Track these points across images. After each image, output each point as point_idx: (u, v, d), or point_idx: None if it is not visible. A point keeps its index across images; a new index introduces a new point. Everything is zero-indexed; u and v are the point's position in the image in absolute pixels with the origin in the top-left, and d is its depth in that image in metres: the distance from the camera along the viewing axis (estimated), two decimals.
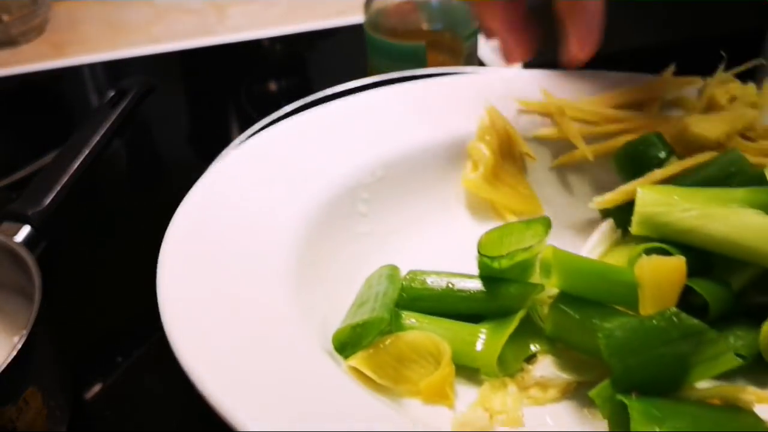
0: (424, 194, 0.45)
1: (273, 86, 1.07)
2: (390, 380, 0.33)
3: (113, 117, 0.71)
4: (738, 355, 0.31)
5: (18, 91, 1.08)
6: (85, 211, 0.81)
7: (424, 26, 0.75)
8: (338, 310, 0.36)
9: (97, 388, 0.64)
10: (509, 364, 0.35)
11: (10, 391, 0.51)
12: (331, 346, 0.34)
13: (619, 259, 0.37)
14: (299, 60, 1.12)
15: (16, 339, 0.50)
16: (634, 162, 0.42)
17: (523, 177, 0.44)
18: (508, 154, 0.44)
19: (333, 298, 0.37)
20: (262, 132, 0.44)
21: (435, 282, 0.37)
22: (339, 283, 0.38)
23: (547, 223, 0.37)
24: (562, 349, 0.36)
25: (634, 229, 0.35)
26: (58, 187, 0.64)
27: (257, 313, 0.34)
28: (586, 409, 0.34)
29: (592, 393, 0.31)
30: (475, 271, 0.38)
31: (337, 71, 0.95)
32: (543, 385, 0.34)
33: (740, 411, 0.29)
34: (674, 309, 0.31)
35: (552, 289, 0.35)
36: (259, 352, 0.33)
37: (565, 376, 0.34)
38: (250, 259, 0.36)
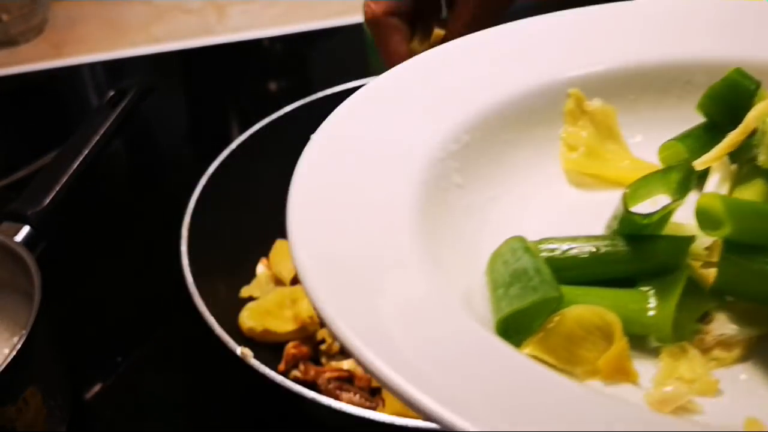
0: (518, 153, 0.42)
1: (273, 86, 1.07)
2: (566, 363, 0.30)
3: (113, 117, 0.71)
4: None
5: (17, 91, 1.08)
6: (85, 212, 0.81)
7: None
8: (461, 289, 0.33)
9: (97, 388, 0.64)
10: (683, 327, 0.31)
11: (9, 391, 0.51)
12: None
13: (752, 197, 0.34)
14: (299, 60, 1.12)
15: (16, 339, 0.50)
16: (724, 105, 0.39)
17: (626, 147, 0.42)
18: (606, 129, 0.42)
19: (451, 277, 0.34)
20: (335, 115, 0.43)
21: (577, 248, 0.33)
22: (450, 262, 0.35)
23: (686, 170, 0.34)
24: (733, 303, 0.32)
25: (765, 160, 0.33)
26: (58, 187, 0.64)
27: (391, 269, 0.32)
28: None
29: None
30: (598, 231, 0.35)
31: (337, 71, 0.95)
32: (725, 343, 0.31)
33: None
34: None
35: (704, 241, 0.32)
36: (401, 307, 0.30)
37: (747, 330, 0.31)
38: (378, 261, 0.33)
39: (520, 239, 0.34)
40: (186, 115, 1.04)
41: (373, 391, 0.56)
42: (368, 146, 0.40)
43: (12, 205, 0.62)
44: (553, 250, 0.33)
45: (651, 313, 0.31)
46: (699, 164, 0.36)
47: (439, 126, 0.41)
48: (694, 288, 0.32)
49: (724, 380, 0.29)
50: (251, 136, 0.68)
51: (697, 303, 0.32)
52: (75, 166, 0.66)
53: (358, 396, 0.55)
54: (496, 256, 0.34)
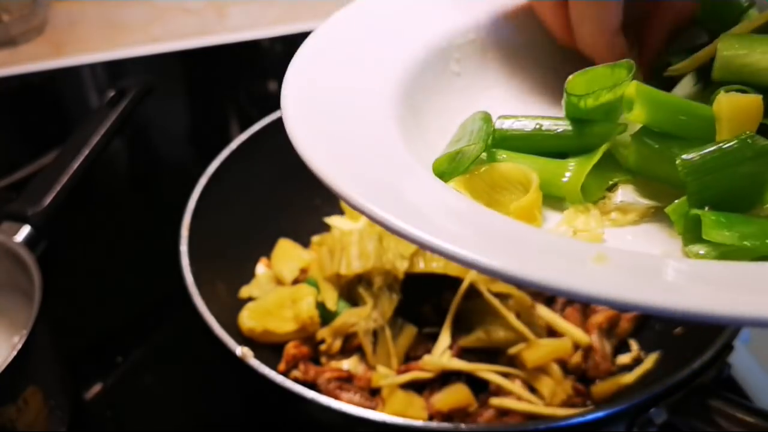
0: (515, 57, 0.47)
1: (273, 86, 1.07)
2: (483, 203, 0.35)
3: (113, 117, 0.71)
4: None
5: (17, 91, 1.08)
6: (85, 211, 0.81)
7: None
8: (435, 155, 0.39)
9: (97, 388, 0.64)
10: (592, 192, 0.37)
11: (10, 390, 0.51)
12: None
13: None
14: None
15: (16, 339, 0.50)
16: (719, 16, 0.42)
17: None
18: None
19: (430, 145, 0.40)
20: None
21: (524, 123, 0.39)
22: (434, 133, 0.41)
23: (630, 66, 0.38)
24: (642, 180, 0.37)
25: (715, 73, 0.36)
26: (58, 187, 0.64)
27: (366, 131, 0.37)
28: (664, 230, 0.35)
29: (669, 209, 0.33)
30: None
31: None
32: (623, 209, 0.36)
33: None
34: (749, 132, 0.32)
35: (634, 129, 0.37)
36: (359, 148, 0.36)
37: (644, 202, 0.36)
38: (356, 106, 0.39)
39: (484, 112, 0.39)
40: (186, 115, 1.04)
41: (373, 391, 0.56)
42: (369, 37, 0.43)
43: (12, 205, 0.62)
44: (503, 122, 0.39)
45: (565, 178, 0.36)
46: (670, 71, 0.40)
47: (446, 22, 0.45)
48: (610, 163, 0.37)
49: (612, 237, 0.34)
50: (251, 136, 0.68)
51: (608, 174, 0.37)
52: (75, 166, 0.66)
53: (358, 396, 0.55)
54: (462, 123, 0.40)
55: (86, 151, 0.68)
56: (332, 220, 0.70)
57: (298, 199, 0.72)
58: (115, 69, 1.10)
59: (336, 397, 0.53)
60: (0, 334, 0.60)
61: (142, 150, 0.98)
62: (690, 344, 0.53)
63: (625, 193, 0.36)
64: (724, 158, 0.32)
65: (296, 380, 0.55)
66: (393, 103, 0.40)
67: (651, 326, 0.61)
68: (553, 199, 0.37)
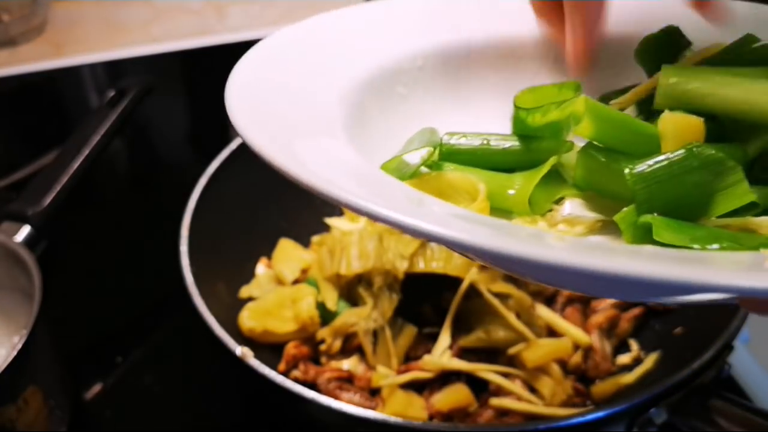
0: (463, 87, 0.47)
1: None
2: None
3: (113, 117, 0.71)
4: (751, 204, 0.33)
5: (17, 91, 1.07)
6: (85, 211, 0.81)
7: None
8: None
9: (97, 388, 0.64)
10: (540, 205, 0.37)
11: (10, 390, 0.51)
12: None
13: None
14: None
15: (16, 339, 0.50)
16: (657, 54, 0.43)
17: None
18: None
19: (376, 159, 0.40)
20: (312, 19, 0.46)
21: (471, 139, 0.40)
22: (379, 151, 0.40)
23: (577, 86, 0.39)
24: (590, 195, 0.37)
25: (658, 100, 0.37)
26: (58, 187, 0.64)
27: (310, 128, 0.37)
28: (613, 243, 0.35)
29: (617, 217, 0.33)
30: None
31: None
32: (570, 221, 0.36)
33: (756, 234, 0.32)
34: (695, 142, 0.33)
35: (581, 145, 0.38)
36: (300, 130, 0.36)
37: (591, 215, 0.36)
38: (302, 118, 0.38)
39: (430, 127, 0.41)
40: (186, 115, 1.04)
41: (373, 391, 0.56)
42: (316, 53, 0.43)
43: (12, 205, 0.62)
44: (451, 137, 0.40)
45: (512, 191, 0.37)
46: (612, 104, 0.41)
47: (397, 46, 0.45)
48: (558, 178, 0.38)
49: None
50: None
51: (555, 189, 0.37)
52: (75, 166, 0.66)
53: (358, 396, 0.55)
54: (409, 139, 0.41)
55: (86, 151, 0.68)
56: (332, 221, 0.70)
57: (298, 199, 0.72)
58: (115, 69, 1.10)
59: (336, 397, 0.53)
60: (0, 334, 0.60)
61: (142, 150, 0.98)
62: (690, 344, 0.53)
63: (572, 206, 0.36)
64: (671, 167, 0.32)
65: (296, 380, 0.55)
66: (339, 113, 0.40)
67: (651, 326, 0.61)
68: (500, 212, 0.37)
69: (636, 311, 0.61)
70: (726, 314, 0.51)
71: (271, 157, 0.30)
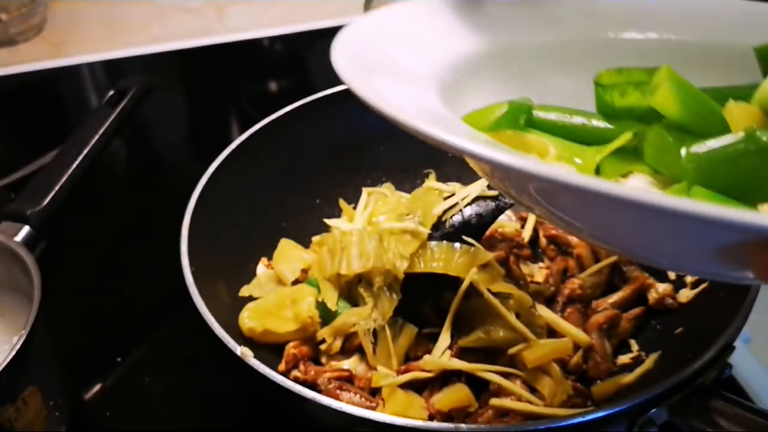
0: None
1: (273, 86, 1.07)
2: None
3: (113, 117, 0.71)
4: None
5: (16, 90, 1.07)
6: (84, 211, 0.81)
7: None
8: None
9: (97, 388, 0.64)
10: (606, 176, 0.38)
11: (9, 390, 0.51)
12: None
13: None
14: (299, 60, 1.12)
15: (15, 339, 0.50)
16: None
17: None
18: None
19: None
20: None
21: (557, 113, 0.42)
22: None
23: (669, 71, 0.38)
24: (659, 177, 0.38)
25: (759, 99, 0.36)
26: (58, 187, 0.64)
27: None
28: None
29: (669, 190, 0.34)
30: None
31: None
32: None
33: None
34: (756, 127, 0.33)
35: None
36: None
37: (653, 189, 0.37)
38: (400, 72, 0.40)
39: (527, 99, 0.42)
40: (186, 115, 1.04)
41: (373, 391, 0.56)
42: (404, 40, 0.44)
43: (12, 205, 0.62)
44: (538, 112, 0.41)
45: (580, 160, 0.38)
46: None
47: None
48: (633, 156, 0.38)
49: None
50: (251, 136, 0.68)
51: (626, 164, 0.38)
52: (75, 166, 0.66)
53: (358, 396, 0.55)
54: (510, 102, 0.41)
55: (86, 151, 0.67)
56: (332, 221, 0.70)
57: (298, 199, 0.72)
58: (115, 69, 1.10)
59: (336, 397, 0.53)
60: (0, 334, 0.59)
61: (142, 150, 0.98)
62: (690, 344, 0.53)
63: (636, 181, 0.37)
64: (727, 150, 0.32)
65: (296, 380, 0.55)
66: (437, 75, 0.41)
67: (651, 326, 0.61)
68: None
69: (636, 311, 0.61)
70: (726, 314, 0.51)
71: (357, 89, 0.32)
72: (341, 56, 0.36)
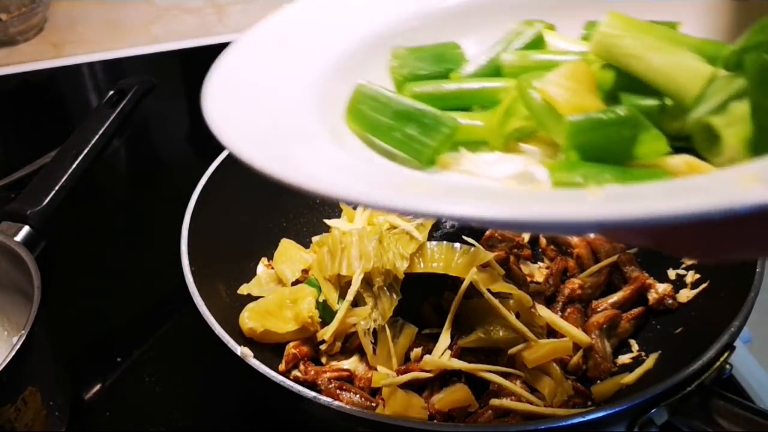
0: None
1: None
2: None
3: (113, 117, 0.71)
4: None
5: (17, 90, 1.07)
6: (84, 211, 0.81)
7: None
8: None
9: (97, 388, 0.64)
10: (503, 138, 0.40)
11: (9, 390, 0.51)
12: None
13: None
14: None
15: (15, 339, 0.50)
16: None
17: None
18: None
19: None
20: None
21: (434, 84, 0.43)
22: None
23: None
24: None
25: (592, 47, 0.39)
26: (58, 187, 0.64)
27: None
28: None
29: (547, 163, 0.36)
30: None
31: None
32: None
33: (656, 169, 0.35)
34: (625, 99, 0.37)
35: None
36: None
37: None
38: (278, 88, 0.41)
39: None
40: (186, 115, 1.04)
41: (373, 391, 0.56)
42: (283, 54, 0.44)
43: (12, 205, 0.62)
44: (415, 86, 0.42)
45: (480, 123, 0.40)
46: None
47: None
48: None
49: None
50: None
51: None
52: (75, 166, 0.66)
53: (358, 396, 0.55)
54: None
55: (86, 151, 0.67)
56: (332, 221, 0.70)
57: (298, 200, 0.72)
58: (115, 68, 1.10)
59: (336, 397, 0.53)
60: (0, 334, 0.60)
61: (142, 150, 0.98)
62: (690, 344, 0.53)
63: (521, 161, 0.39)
64: (600, 120, 0.35)
65: (296, 380, 0.55)
66: (320, 80, 0.42)
67: (651, 326, 0.61)
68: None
69: (636, 311, 0.61)
70: (726, 314, 0.51)
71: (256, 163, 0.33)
72: (221, 122, 0.38)
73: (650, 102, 0.37)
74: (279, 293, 0.61)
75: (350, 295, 0.58)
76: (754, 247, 0.27)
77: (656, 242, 0.28)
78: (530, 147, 0.39)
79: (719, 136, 0.35)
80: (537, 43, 0.44)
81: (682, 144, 0.37)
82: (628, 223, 0.23)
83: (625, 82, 0.38)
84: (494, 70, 0.43)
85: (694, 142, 0.37)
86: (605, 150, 0.35)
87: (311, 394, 0.47)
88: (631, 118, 0.35)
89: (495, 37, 0.46)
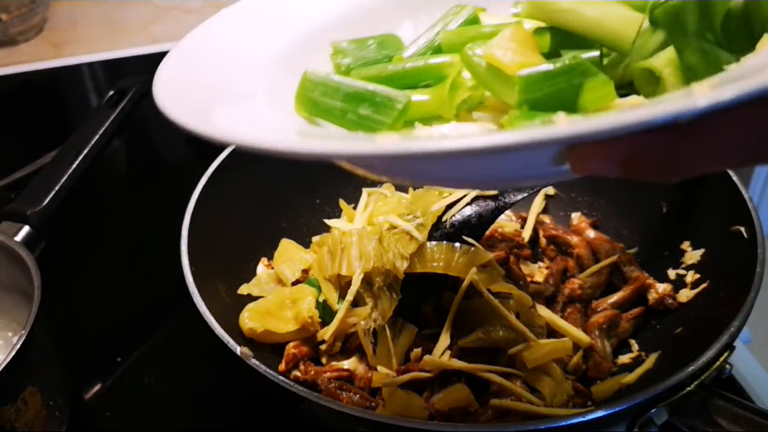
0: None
1: None
2: None
3: (112, 117, 0.71)
4: None
5: (17, 90, 1.07)
6: (84, 211, 0.81)
7: None
8: None
9: (97, 387, 0.64)
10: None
11: (9, 390, 0.51)
12: None
13: None
14: None
15: (15, 339, 0.50)
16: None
17: None
18: None
19: None
20: None
21: (377, 67, 0.44)
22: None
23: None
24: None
25: (526, 10, 0.40)
26: (58, 187, 0.64)
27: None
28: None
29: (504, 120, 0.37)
30: None
31: None
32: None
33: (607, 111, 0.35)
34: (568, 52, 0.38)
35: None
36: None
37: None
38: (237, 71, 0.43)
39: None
40: None
41: (373, 391, 0.56)
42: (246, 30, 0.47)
43: (12, 205, 0.62)
44: (359, 71, 0.43)
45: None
46: None
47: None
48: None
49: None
50: None
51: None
52: (75, 166, 0.66)
53: (358, 396, 0.55)
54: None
55: (86, 151, 0.67)
56: (332, 221, 0.70)
57: (298, 200, 0.72)
58: (115, 69, 1.10)
59: (336, 397, 0.53)
60: (0, 333, 0.60)
61: (142, 150, 0.98)
62: (690, 344, 0.53)
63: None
64: (545, 72, 0.36)
65: (296, 380, 0.55)
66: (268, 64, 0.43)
67: (651, 326, 0.61)
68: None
69: (636, 311, 0.61)
70: (726, 314, 0.51)
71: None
72: (168, 97, 0.38)
73: (590, 53, 0.37)
74: (279, 293, 0.61)
75: (350, 295, 0.58)
76: (715, 158, 0.28)
77: (622, 166, 0.29)
78: (482, 114, 0.40)
79: (660, 77, 0.37)
80: (472, 22, 0.45)
81: (624, 92, 0.38)
82: (593, 136, 0.24)
83: (563, 39, 0.39)
84: (435, 49, 0.44)
85: (637, 86, 0.39)
86: (556, 100, 0.36)
87: (311, 394, 0.47)
88: (577, 66, 0.36)
89: (429, 23, 0.46)
